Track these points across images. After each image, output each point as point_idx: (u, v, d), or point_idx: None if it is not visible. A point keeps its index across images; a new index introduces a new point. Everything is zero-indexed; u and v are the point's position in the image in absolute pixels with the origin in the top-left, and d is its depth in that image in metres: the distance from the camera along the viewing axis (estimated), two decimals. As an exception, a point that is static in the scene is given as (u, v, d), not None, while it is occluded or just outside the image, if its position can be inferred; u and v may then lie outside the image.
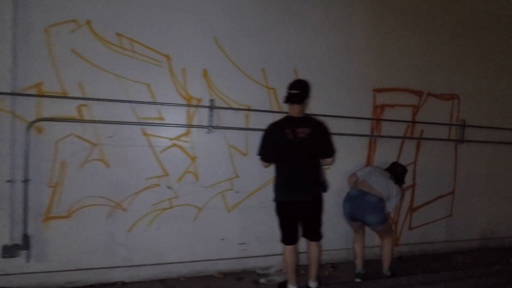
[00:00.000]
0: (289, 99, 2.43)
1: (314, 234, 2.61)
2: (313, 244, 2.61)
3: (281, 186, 2.47)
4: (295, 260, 2.56)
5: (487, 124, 4.02)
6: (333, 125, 3.32)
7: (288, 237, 2.55)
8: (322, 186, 2.63)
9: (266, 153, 2.51)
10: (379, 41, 3.49)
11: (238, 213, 3.13)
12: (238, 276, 3.06)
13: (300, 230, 2.64)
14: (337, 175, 3.36)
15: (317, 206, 2.53)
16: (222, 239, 3.11)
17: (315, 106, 3.27)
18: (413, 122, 3.68)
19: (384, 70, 3.53)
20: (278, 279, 3.00)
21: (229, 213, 3.12)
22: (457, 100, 3.89)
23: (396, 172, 3.14)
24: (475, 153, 4.02)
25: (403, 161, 3.54)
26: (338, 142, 3.35)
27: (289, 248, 2.53)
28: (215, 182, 3.05)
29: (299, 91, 2.43)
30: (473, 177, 4.05)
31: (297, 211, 2.47)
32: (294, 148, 2.35)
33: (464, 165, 3.98)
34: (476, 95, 3.96)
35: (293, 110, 2.44)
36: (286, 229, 2.53)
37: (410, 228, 3.80)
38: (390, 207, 2.93)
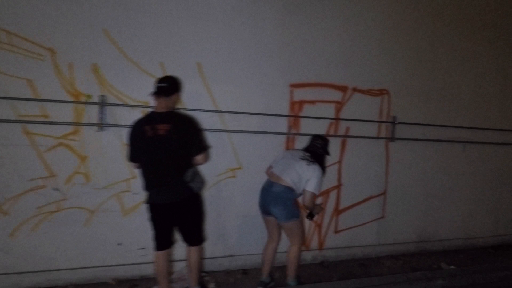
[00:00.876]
0: (155, 92, 2.25)
1: (191, 239, 2.42)
2: (192, 249, 2.42)
3: (146, 188, 2.29)
4: (165, 267, 2.37)
5: (420, 121, 3.82)
6: (245, 123, 3.18)
7: (157, 242, 2.37)
8: (193, 186, 2.33)
9: (130, 153, 2.32)
10: (294, 32, 3.29)
11: (137, 216, 2.95)
12: (133, 283, 2.88)
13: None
14: (253, 174, 3.19)
15: (189, 208, 2.33)
16: (119, 244, 2.93)
17: (222, 102, 3.09)
18: (336, 119, 3.49)
19: (302, 64, 3.34)
20: (176, 286, 2.82)
21: (127, 216, 2.94)
22: (387, 96, 3.69)
23: (316, 146, 2.83)
24: (408, 152, 3.82)
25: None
26: (251, 141, 3.21)
27: (158, 254, 2.34)
28: (109, 183, 2.87)
29: (166, 84, 2.25)
30: (406, 176, 3.84)
31: (166, 214, 2.28)
32: (153, 146, 2.16)
33: (397, 164, 3.78)
34: (408, 91, 3.76)
35: (159, 105, 2.25)
36: (155, 233, 2.34)
37: (336, 232, 3.60)
38: (310, 187, 2.61)
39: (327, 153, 2.89)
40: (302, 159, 2.71)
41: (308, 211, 2.78)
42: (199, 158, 2.30)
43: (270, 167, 2.90)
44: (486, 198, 4.27)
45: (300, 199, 2.70)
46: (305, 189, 2.64)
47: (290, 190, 2.62)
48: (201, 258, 2.69)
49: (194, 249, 2.43)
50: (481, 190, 4.23)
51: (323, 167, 2.77)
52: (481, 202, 4.25)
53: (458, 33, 3.97)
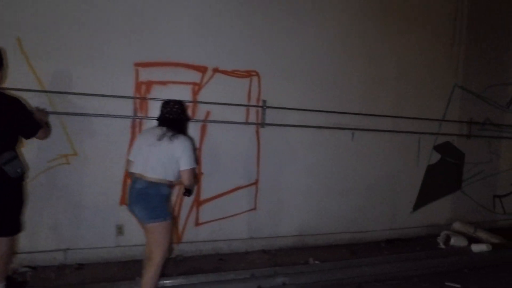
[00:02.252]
0: None
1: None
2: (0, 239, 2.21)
3: None
4: None
5: (296, 105, 3.55)
6: (81, 105, 2.90)
7: None
8: (7, 169, 2.12)
9: None
10: (139, 5, 3.00)
11: None
12: None
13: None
14: (92, 162, 2.93)
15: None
16: None
17: (51, 82, 2.81)
18: (194, 102, 3.22)
19: (149, 41, 3.06)
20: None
21: None
22: (257, 78, 3.42)
23: (173, 113, 2.35)
24: (283, 139, 3.55)
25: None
26: (89, 125, 2.94)
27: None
28: None
29: None
30: (283, 166, 3.58)
31: None
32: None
33: (271, 153, 3.51)
34: (282, 73, 3.49)
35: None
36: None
37: (198, 224, 3.33)
38: (185, 165, 2.23)
39: (188, 118, 2.61)
40: (160, 139, 2.26)
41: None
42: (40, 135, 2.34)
43: (130, 162, 2.42)
44: (381, 189, 4.02)
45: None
46: (181, 169, 2.26)
47: (155, 185, 2.21)
48: (12, 250, 2.42)
49: (2, 239, 2.20)
50: (375, 180, 3.98)
51: (186, 134, 2.41)
52: (375, 193, 4.00)
53: (347, 14, 3.72)
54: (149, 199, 2.21)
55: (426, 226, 4.29)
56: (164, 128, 2.31)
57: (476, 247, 3.61)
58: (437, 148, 4.27)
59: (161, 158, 2.23)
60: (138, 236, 2.91)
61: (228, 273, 2.83)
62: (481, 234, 4.04)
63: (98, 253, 3.02)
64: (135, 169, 2.30)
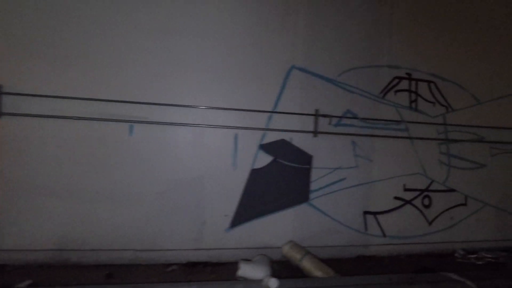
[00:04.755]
0: None
1: None
2: None
3: None
4: None
5: (45, 91, 2.90)
6: None
7: None
8: None
9: None
10: None
11: None
12: None
13: None
14: None
15: None
16: None
17: None
18: None
19: None
20: None
21: None
22: (-9, 57, 2.86)
23: None
24: (23, 132, 2.91)
25: None
26: None
27: None
28: None
29: None
30: (23, 165, 2.94)
31: None
32: None
33: (12, 150, 2.90)
34: (24, 52, 2.89)
35: None
36: None
37: None
38: None
39: None
40: None
41: None
42: None
43: None
44: (179, 197, 3.18)
45: None
46: None
47: None
48: None
49: None
50: (170, 186, 3.15)
51: None
52: (171, 202, 3.17)
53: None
54: None
55: (254, 248, 3.35)
56: None
57: (271, 283, 2.63)
58: (265, 147, 3.33)
59: None
60: None
61: None
62: (307, 264, 3.01)
63: None
64: None
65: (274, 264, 3.22)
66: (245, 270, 2.80)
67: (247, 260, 3.08)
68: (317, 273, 2.89)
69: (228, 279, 2.94)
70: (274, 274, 3.04)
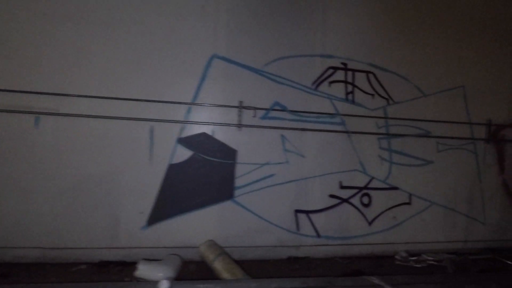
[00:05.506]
0: None
1: None
2: None
3: None
4: None
5: None
6: None
7: None
8: None
9: None
10: None
11: None
12: None
13: None
14: None
15: None
16: None
17: None
18: None
19: None
20: None
21: None
22: None
23: None
24: None
25: None
26: None
27: None
28: None
29: None
30: None
31: None
32: None
33: None
34: None
35: None
36: None
37: None
38: None
39: None
40: None
41: None
42: None
43: None
44: (89, 192, 3.00)
45: None
46: None
47: None
48: None
49: None
50: (78, 180, 2.99)
51: None
52: (80, 197, 2.99)
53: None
54: None
55: (173, 247, 3.16)
56: None
57: (160, 285, 2.44)
58: (184, 141, 3.15)
59: None
60: None
61: None
62: (218, 265, 2.82)
63: None
64: None
65: (191, 265, 3.05)
66: (143, 271, 2.63)
67: (150, 260, 2.90)
68: (225, 275, 2.69)
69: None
70: (187, 275, 2.88)
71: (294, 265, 3.26)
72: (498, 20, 3.81)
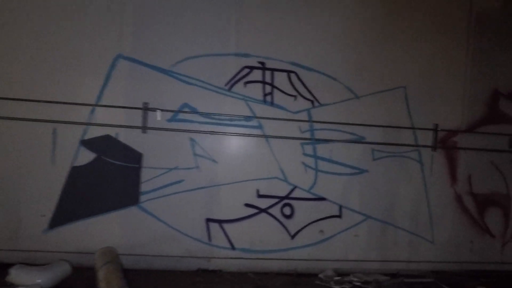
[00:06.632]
0: None
1: None
2: None
3: None
4: None
5: None
6: None
7: None
8: None
9: None
10: None
11: None
12: None
13: None
14: None
15: None
16: None
17: None
18: None
19: None
20: None
21: None
22: None
23: None
24: None
25: None
26: None
27: None
28: None
29: None
30: None
31: None
32: None
33: None
34: None
35: None
36: None
37: None
38: None
39: None
40: None
41: None
42: None
43: None
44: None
45: None
46: None
47: None
48: None
49: None
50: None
51: None
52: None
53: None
54: None
55: (76, 252, 3.03)
56: None
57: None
58: (87, 143, 3.06)
59: None
60: None
61: None
62: (101, 274, 2.62)
63: None
64: None
65: (89, 272, 2.94)
66: (16, 276, 2.55)
67: (29, 264, 2.79)
68: (102, 284, 2.54)
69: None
70: (75, 282, 2.77)
71: (199, 278, 3.03)
72: (447, 14, 3.39)
